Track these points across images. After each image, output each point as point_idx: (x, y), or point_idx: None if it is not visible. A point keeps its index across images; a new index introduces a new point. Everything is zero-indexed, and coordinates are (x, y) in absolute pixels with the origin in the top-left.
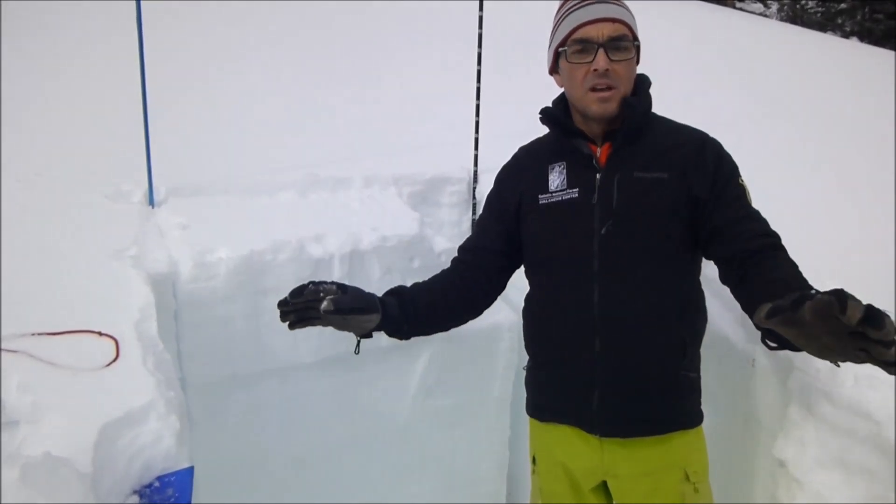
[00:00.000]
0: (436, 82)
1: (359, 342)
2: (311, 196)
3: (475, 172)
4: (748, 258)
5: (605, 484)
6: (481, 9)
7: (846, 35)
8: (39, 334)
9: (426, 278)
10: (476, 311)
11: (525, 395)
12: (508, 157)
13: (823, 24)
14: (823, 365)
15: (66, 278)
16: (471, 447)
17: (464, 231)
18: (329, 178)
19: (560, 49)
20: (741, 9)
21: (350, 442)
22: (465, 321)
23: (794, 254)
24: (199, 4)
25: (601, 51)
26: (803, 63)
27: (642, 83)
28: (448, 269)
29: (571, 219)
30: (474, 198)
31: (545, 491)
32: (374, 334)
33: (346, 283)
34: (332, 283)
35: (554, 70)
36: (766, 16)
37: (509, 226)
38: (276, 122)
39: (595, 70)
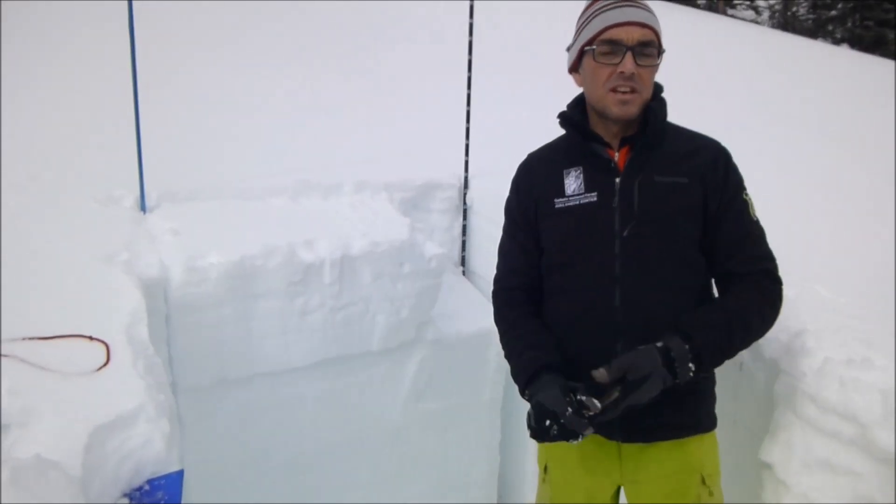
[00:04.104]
0: (426, 89)
1: None
2: (303, 201)
3: (466, 178)
4: (732, 283)
5: (618, 490)
6: (472, 16)
7: (837, 42)
8: (30, 339)
9: (416, 284)
10: None
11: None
12: (499, 164)
13: (814, 30)
14: (809, 369)
15: (58, 283)
16: (462, 450)
17: (454, 236)
18: (320, 184)
19: (587, 48)
20: (732, 16)
21: (341, 445)
22: None
23: (790, 256)
24: (190, 11)
25: (629, 54)
26: (794, 69)
27: (658, 89)
28: (515, 307)
29: (592, 222)
30: (465, 203)
31: (557, 500)
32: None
33: (339, 288)
34: (559, 397)
35: (574, 69)
36: (757, 23)
37: (536, 232)
38: (268, 128)
39: (621, 72)
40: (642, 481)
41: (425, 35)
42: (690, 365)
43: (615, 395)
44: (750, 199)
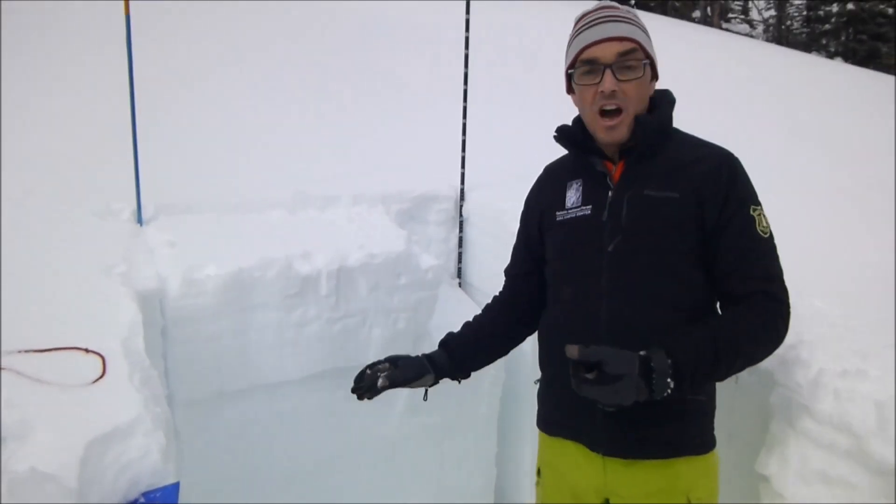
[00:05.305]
0: (423, 100)
1: (426, 391)
2: (300, 214)
3: (462, 190)
4: (732, 303)
5: (607, 502)
6: (468, 29)
7: (830, 55)
8: (27, 351)
9: (413, 295)
10: (528, 329)
11: (509, 408)
12: (496, 175)
13: (808, 44)
14: (804, 380)
15: (55, 295)
16: (458, 464)
17: (450, 248)
18: (317, 196)
19: (570, 71)
20: (727, 29)
21: (338, 457)
22: (519, 342)
23: (784, 267)
24: (187, 22)
25: (608, 72)
26: (788, 82)
27: (663, 98)
28: (495, 299)
29: (583, 235)
30: (461, 215)
31: (548, 501)
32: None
33: (336, 300)
34: (386, 360)
35: (570, 90)
36: (752, 36)
37: (535, 247)
38: (265, 140)
39: (602, 91)
40: (625, 497)
41: (422, 47)
42: (669, 381)
43: (592, 376)
44: (760, 213)
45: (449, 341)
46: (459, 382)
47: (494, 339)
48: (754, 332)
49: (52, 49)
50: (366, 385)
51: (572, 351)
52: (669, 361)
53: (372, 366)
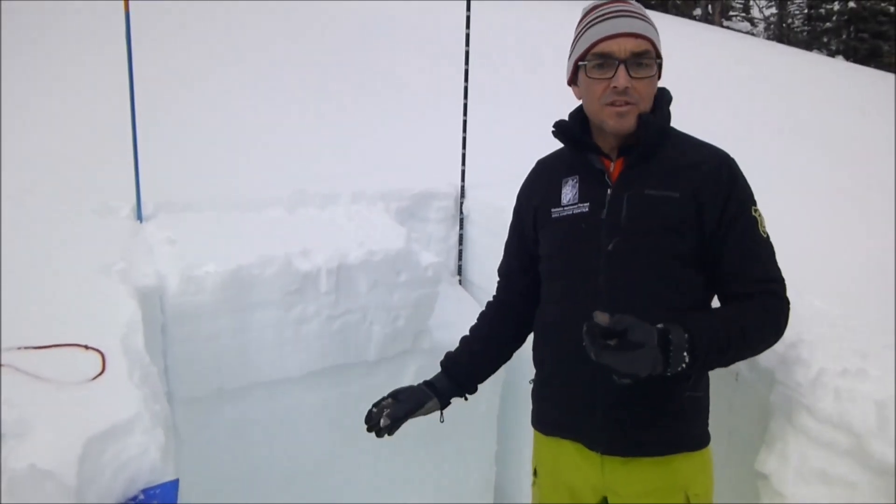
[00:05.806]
0: (423, 100)
1: (441, 412)
2: (299, 211)
3: (462, 188)
4: (738, 302)
5: (605, 500)
6: (468, 26)
7: (832, 54)
8: (26, 348)
9: (413, 293)
10: (528, 329)
11: (506, 406)
12: (496, 173)
13: (809, 42)
14: (804, 379)
15: (54, 292)
16: (458, 462)
17: (450, 246)
18: (317, 194)
19: (580, 62)
20: (728, 27)
21: (337, 456)
22: (522, 342)
23: (784, 266)
24: (187, 22)
25: (622, 67)
26: (789, 81)
27: (662, 97)
28: (489, 304)
29: (580, 233)
30: (461, 213)
31: (545, 501)
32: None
33: (335, 297)
34: (388, 395)
35: (572, 81)
36: (753, 34)
37: (529, 243)
38: (265, 140)
39: (615, 87)
40: (624, 495)
41: (423, 46)
42: (685, 355)
43: (613, 343)
44: (759, 215)
45: (446, 361)
46: (466, 399)
47: (493, 344)
48: (758, 323)
49: (52, 49)
50: (374, 424)
51: (602, 317)
52: (686, 336)
53: (377, 403)
